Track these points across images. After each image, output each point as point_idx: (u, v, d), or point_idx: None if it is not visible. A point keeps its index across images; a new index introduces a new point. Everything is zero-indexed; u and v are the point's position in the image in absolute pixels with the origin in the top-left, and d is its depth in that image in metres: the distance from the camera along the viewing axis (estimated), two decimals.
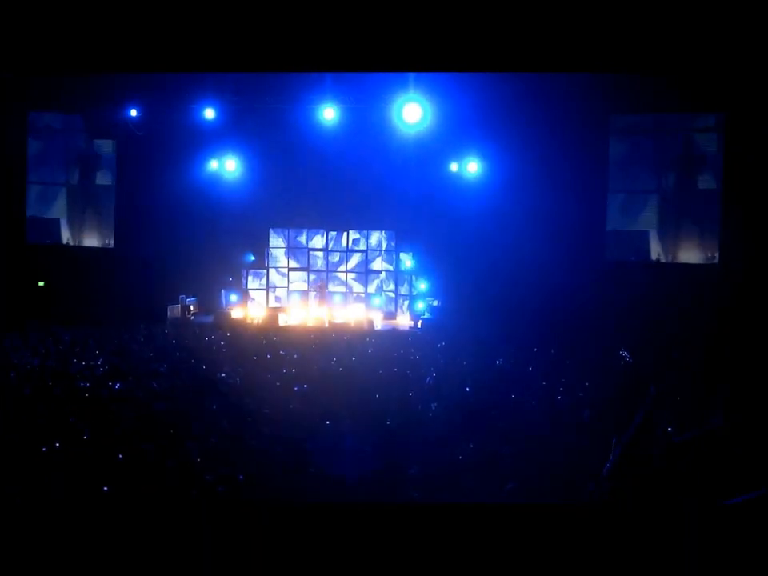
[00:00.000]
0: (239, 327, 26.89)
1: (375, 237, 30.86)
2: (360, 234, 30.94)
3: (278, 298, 31.10)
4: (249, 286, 30.94)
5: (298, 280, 31.25)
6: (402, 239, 30.07)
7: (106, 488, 8.35)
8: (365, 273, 30.78)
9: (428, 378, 16.02)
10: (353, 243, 31.04)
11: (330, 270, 31.08)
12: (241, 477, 9.04)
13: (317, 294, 30.46)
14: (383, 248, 30.78)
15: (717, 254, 26.29)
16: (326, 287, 30.51)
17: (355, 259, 31.00)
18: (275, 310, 29.75)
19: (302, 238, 31.24)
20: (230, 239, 29.23)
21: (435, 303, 28.12)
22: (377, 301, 30.19)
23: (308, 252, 31.23)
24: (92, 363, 17.75)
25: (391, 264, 30.57)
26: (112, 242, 30.54)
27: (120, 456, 9.56)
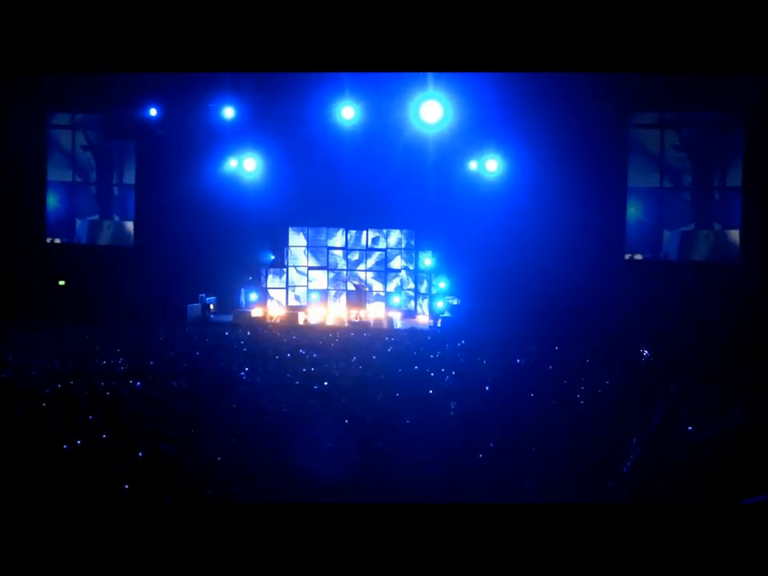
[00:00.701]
0: (259, 326, 26.90)
1: (395, 235, 30.81)
2: (379, 232, 30.89)
3: (297, 297, 31.10)
4: (268, 285, 30.95)
5: (318, 279, 31.23)
6: (421, 238, 30.02)
7: (126, 486, 8.36)
8: (384, 271, 30.74)
9: (447, 378, 16.00)
10: (372, 242, 31.00)
11: (350, 268, 31.05)
12: (259, 474, 9.05)
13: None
14: (402, 246, 30.72)
15: (738, 253, 26.15)
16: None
17: (374, 258, 30.96)
18: (295, 309, 29.77)
19: (322, 237, 31.22)
20: (250, 238, 29.26)
21: (455, 302, 28.06)
22: (396, 299, 30.16)
23: (327, 251, 31.21)
24: (112, 362, 17.81)
25: (411, 263, 30.53)
26: (132, 241, 30.63)
27: (139, 455, 9.57)
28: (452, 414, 12.79)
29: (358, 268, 31.01)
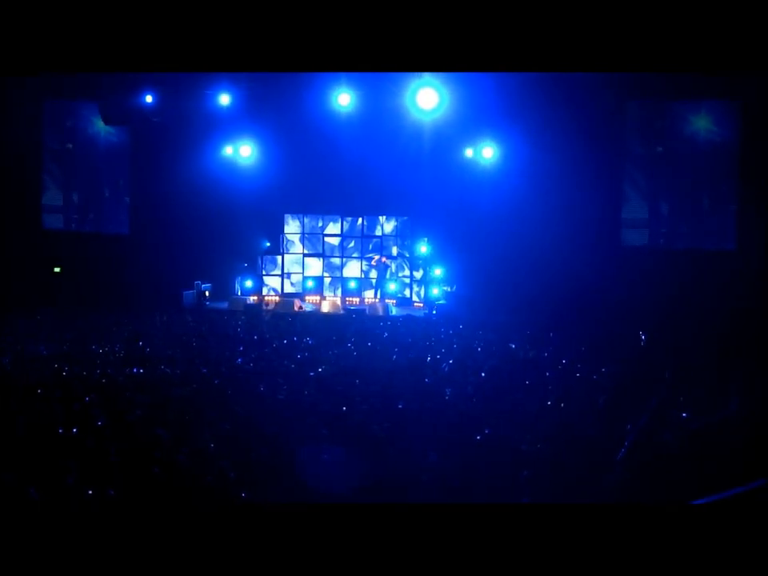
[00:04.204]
0: (254, 313, 26.89)
1: (390, 223, 30.79)
2: (375, 219, 30.86)
3: (293, 284, 31.09)
4: (264, 272, 30.93)
5: (313, 265, 31.20)
6: (416, 225, 29.99)
7: (120, 476, 8.37)
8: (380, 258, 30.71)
9: (444, 365, 16.01)
10: (368, 229, 30.98)
11: (345, 255, 31.03)
12: (255, 462, 9.06)
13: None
14: (398, 234, 30.69)
15: (734, 240, 26.17)
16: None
17: (370, 245, 30.93)
18: (290, 296, 29.77)
19: (318, 224, 31.20)
20: (245, 225, 29.19)
21: (450, 289, 28.07)
22: (392, 286, 30.16)
23: (322, 238, 31.19)
24: (107, 349, 17.81)
25: (406, 250, 30.51)
26: (127, 228, 30.59)
27: (135, 441, 9.58)
28: (447, 399, 12.82)
29: (353, 255, 30.98)
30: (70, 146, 30.91)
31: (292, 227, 31.24)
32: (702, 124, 26.60)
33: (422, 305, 29.26)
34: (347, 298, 29.86)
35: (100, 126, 30.04)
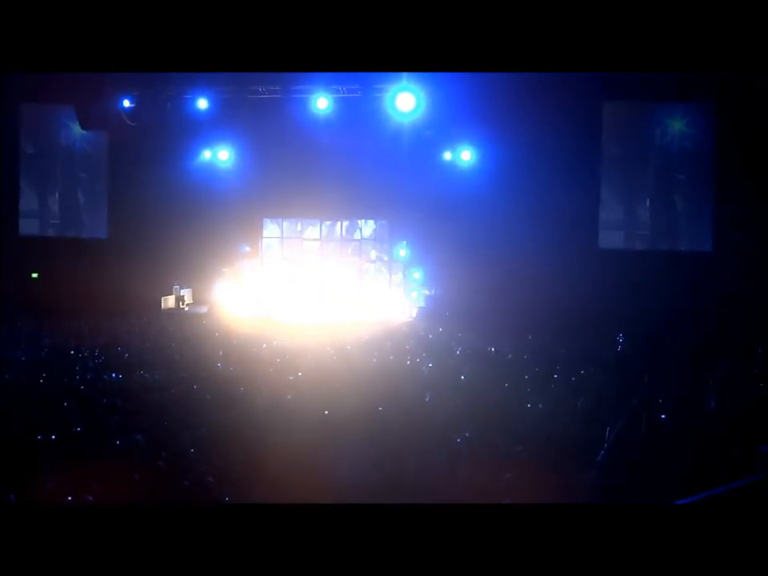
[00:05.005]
0: (233, 317, 26.83)
1: (369, 226, 30.79)
2: (354, 223, 30.84)
3: (272, 289, 30.97)
4: (243, 277, 30.85)
5: (293, 270, 31.12)
6: (396, 228, 29.98)
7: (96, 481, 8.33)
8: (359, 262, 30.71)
9: (424, 368, 16.03)
10: (347, 233, 30.97)
11: (324, 259, 30.98)
12: (236, 466, 9.05)
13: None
14: (377, 237, 30.68)
15: (710, 241, 26.30)
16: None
17: (349, 249, 30.91)
18: (269, 300, 29.68)
19: (297, 228, 31.14)
20: (224, 229, 29.10)
21: (429, 293, 28.11)
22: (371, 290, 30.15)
23: (302, 242, 31.13)
24: (86, 354, 17.74)
25: (385, 253, 30.50)
26: (105, 233, 30.46)
27: (113, 447, 9.55)
28: (427, 401, 12.83)
29: (332, 259, 30.94)
30: (47, 149, 30.75)
31: (272, 231, 31.16)
32: (678, 125, 26.73)
33: (402, 307, 29.23)
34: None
35: (77, 131, 29.90)
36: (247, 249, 30.58)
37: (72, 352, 18.17)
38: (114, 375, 14.92)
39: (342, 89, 26.59)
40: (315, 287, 30.62)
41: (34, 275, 29.46)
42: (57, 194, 31.04)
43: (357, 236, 30.93)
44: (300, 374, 15.31)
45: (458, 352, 18.41)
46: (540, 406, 12.30)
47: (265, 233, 31.06)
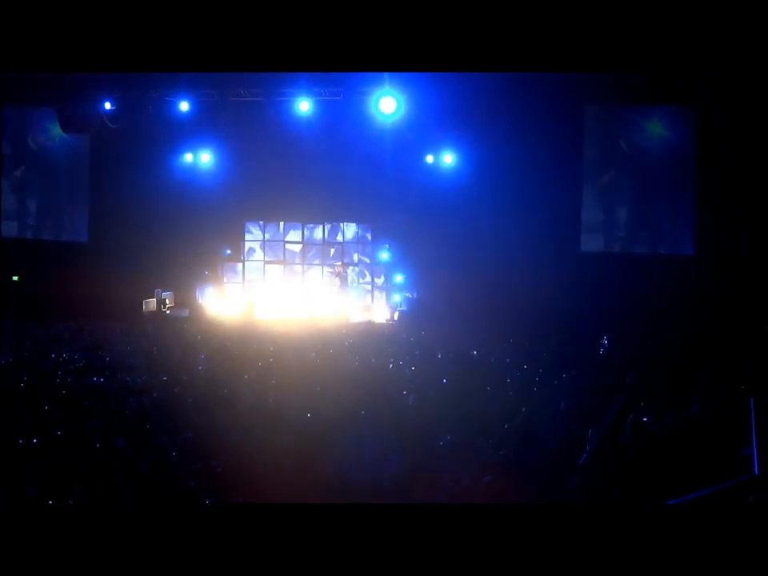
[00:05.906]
0: (215, 320, 26.77)
1: (351, 229, 30.78)
2: (336, 226, 30.82)
3: (254, 292, 30.92)
4: (225, 280, 30.80)
5: (275, 273, 31.10)
6: (378, 232, 29.97)
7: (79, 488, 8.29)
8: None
9: (407, 371, 16.03)
10: (329, 236, 30.95)
11: (307, 262, 30.97)
12: (218, 470, 9.01)
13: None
14: (359, 241, 30.67)
15: (691, 245, 26.37)
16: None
17: (331, 252, 30.89)
18: (251, 304, 29.61)
19: (279, 231, 31.09)
20: (206, 233, 29.02)
21: (411, 296, 28.12)
22: (353, 293, 30.13)
23: (284, 245, 31.10)
24: (67, 358, 17.65)
25: (367, 257, 30.49)
26: (86, 236, 30.34)
27: (95, 451, 9.50)
28: (410, 404, 12.82)
29: (314, 262, 30.93)
30: (27, 152, 30.63)
31: (253, 234, 31.12)
32: (659, 128, 26.78)
33: (383, 311, 29.22)
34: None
35: (57, 133, 29.76)
36: (229, 252, 30.53)
37: (53, 355, 18.08)
38: (95, 378, 14.85)
39: (324, 92, 26.57)
40: (297, 290, 30.60)
41: (15, 278, 29.30)
42: (37, 196, 30.89)
43: (339, 239, 30.91)
44: (283, 376, 15.27)
45: (439, 355, 18.39)
46: (523, 409, 12.30)
47: (247, 236, 31.00)
